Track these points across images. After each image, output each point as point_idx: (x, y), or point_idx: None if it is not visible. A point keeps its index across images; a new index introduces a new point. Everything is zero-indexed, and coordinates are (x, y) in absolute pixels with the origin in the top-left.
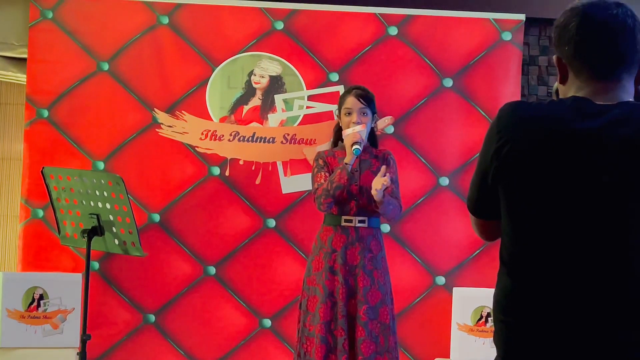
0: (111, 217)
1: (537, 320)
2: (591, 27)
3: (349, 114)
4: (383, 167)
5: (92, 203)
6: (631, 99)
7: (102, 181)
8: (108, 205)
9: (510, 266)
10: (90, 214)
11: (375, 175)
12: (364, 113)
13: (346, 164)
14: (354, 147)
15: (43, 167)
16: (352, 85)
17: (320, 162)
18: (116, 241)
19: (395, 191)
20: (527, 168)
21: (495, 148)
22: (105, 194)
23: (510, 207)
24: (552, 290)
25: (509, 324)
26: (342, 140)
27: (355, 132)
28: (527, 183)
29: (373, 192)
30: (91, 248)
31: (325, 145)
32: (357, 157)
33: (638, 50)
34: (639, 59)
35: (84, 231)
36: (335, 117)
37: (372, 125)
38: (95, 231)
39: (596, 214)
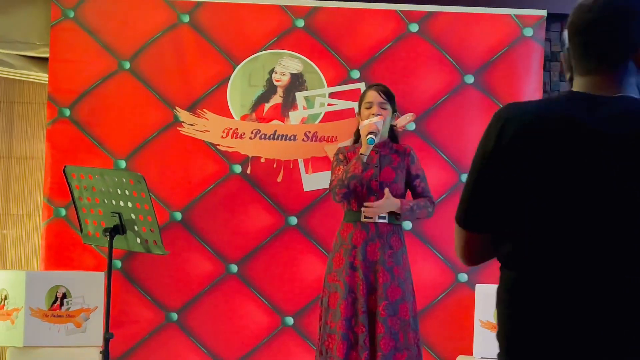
0: (133, 216)
1: (540, 313)
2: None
3: (369, 107)
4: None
5: (113, 202)
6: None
7: (124, 180)
8: (130, 204)
9: (512, 259)
10: (112, 212)
11: (395, 171)
12: (383, 107)
13: (361, 154)
14: (369, 136)
15: (65, 166)
16: (373, 82)
17: (340, 156)
18: (138, 240)
19: (424, 187)
20: (531, 163)
21: (494, 147)
22: (127, 192)
23: (517, 201)
24: (557, 282)
25: (511, 317)
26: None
27: (371, 122)
28: (532, 177)
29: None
30: (113, 247)
31: (346, 142)
32: (372, 148)
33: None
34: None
35: (105, 230)
36: (357, 116)
37: (393, 123)
38: (117, 230)
39: (600, 205)
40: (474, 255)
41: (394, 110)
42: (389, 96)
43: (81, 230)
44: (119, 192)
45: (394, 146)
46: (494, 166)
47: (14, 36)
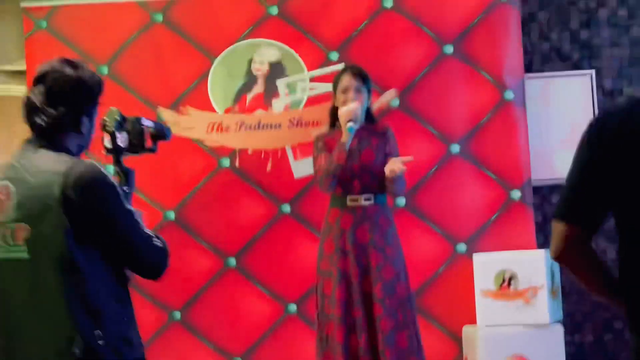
0: None
1: None
2: None
3: (345, 92)
4: (409, 157)
5: None
6: None
7: None
8: None
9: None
10: None
11: (375, 152)
12: (359, 90)
13: (343, 143)
14: (349, 124)
15: None
16: (352, 62)
17: (320, 144)
18: None
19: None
20: (630, 155)
21: (595, 146)
22: None
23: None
24: None
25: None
26: (339, 121)
27: (349, 110)
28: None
29: (388, 172)
30: None
31: (317, 130)
32: (353, 135)
33: None
34: None
35: None
36: (333, 99)
37: (368, 104)
38: None
39: None
40: (569, 251)
41: (369, 90)
42: (363, 78)
43: None
44: None
45: (372, 127)
46: (594, 162)
47: None
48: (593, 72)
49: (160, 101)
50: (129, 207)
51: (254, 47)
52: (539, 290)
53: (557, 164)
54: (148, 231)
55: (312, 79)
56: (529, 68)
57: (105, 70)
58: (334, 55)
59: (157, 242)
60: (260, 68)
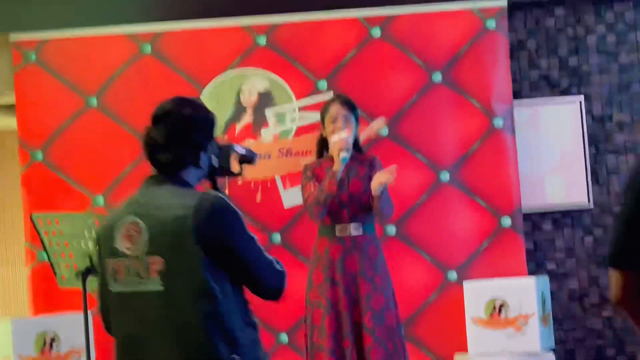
0: None
1: None
2: None
3: (334, 121)
4: (393, 165)
5: (82, 244)
6: None
7: (89, 221)
8: None
9: None
10: (83, 254)
11: (363, 181)
12: (348, 119)
13: (335, 172)
14: (342, 154)
15: (31, 214)
16: (341, 91)
17: (308, 173)
18: None
19: (385, 195)
20: None
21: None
22: (94, 233)
23: None
24: None
25: None
26: (327, 151)
27: (341, 139)
28: None
29: (374, 185)
30: (88, 288)
31: (307, 160)
32: (345, 165)
33: None
34: None
35: (78, 273)
36: (322, 129)
37: (356, 133)
38: (90, 271)
39: None
40: (629, 297)
41: (357, 120)
42: (351, 107)
43: (56, 275)
44: (86, 233)
45: (359, 157)
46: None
47: None
48: (582, 98)
49: None
50: (251, 234)
51: (242, 77)
52: (530, 318)
53: (547, 191)
54: (269, 256)
55: (301, 108)
56: (518, 95)
57: (94, 102)
58: (323, 84)
59: (278, 266)
60: (249, 98)
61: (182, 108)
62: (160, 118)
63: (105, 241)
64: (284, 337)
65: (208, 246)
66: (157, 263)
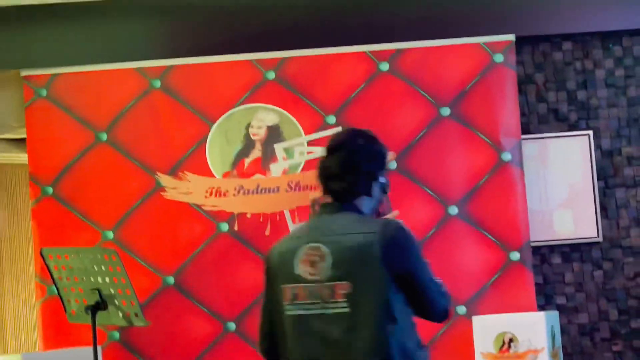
0: (112, 291)
1: None
2: None
3: None
4: (395, 212)
5: (92, 278)
6: None
7: (98, 256)
8: (107, 279)
9: None
10: (92, 289)
11: None
12: None
13: None
14: None
15: (41, 249)
16: (349, 125)
17: (317, 208)
18: (120, 314)
19: None
20: None
21: None
22: (103, 268)
23: None
24: None
25: None
26: None
27: None
28: None
29: None
30: (97, 323)
31: (316, 194)
32: None
33: None
34: None
35: (87, 307)
36: None
37: None
38: (99, 306)
39: None
40: None
41: None
42: None
43: (65, 310)
44: (96, 268)
45: None
46: None
47: None
48: (591, 132)
49: (159, 166)
50: (426, 259)
51: (251, 111)
52: (540, 353)
53: (556, 224)
54: (437, 279)
55: (310, 143)
56: (526, 129)
57: (104, 136)
58: (332, 119)
59: (443, 289)
60: (258, 132)
61: (356, 139)
62: (335, 148)
63: (280, 268)
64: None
65: (392, 269)
66: (342, 286)
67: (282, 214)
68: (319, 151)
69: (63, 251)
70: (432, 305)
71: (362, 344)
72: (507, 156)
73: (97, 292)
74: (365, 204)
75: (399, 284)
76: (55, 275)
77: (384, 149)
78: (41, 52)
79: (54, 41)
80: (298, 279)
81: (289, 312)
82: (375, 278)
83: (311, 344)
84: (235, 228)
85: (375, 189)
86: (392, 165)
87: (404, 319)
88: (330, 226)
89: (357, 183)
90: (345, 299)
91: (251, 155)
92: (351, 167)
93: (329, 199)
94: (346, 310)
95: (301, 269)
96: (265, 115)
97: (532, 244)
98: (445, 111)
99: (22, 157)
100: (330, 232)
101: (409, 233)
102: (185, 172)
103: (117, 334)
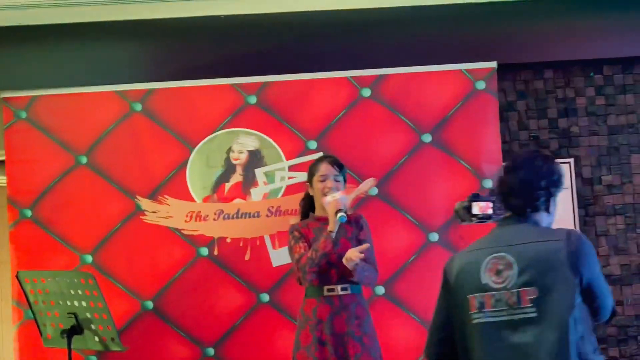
0: (88, 315)
1: None
2: None
3: (323, 180)
4: (365, 245)
5: (68, 302)
6: None
7: (75, 280)
8: (84, 303)
9: None
10: (68, 313)
11: (351, 241)
12: (337, 179)
13: (331, 232)
14: (339, 215)
15: (17, 272)
16: (330, 151)
17: (296, 233)
18: (96, 338)
19: (370, 256)
20: None
21: None
22: (79, 292)
23: None
24: None
25: None
26: (312, 211)
27: (336, 199)
28: None
29: (345, 262)
30: (73, 347)
31: (295, 219)
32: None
33: None
34: None
35: (63, 331)
36: (308, 188)
37: None
38: (75, 330)
39: None
40: None
41: (345, 180)
42: (340, 167)
43: (41, 334)
44: (72, 292)
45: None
46: None
47: None
48: (572, 160)
49: (138, 190)
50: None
51: (232, 135)
52: None
53: None
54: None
55: (291, 168)
56: (507, 156)
57: (83, 159)
58: (313, 144)
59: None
60: (239, 157)
61: (535, 160)
62: (515, 167)
63: (466, 278)
64: None
65: (577, 275)
66: (529, 292)
67: (262, 238)
68: (300, 177)
69: (39, 274)
70: (606, 308)
71: (548, 347)
72: (488, 183)
73: (73, 316)
74: (543, 219)
75: (581, 289)
76: (31, 299)
77: (561, 169)
78: (22, 74)
79: (35, 63)
80: (485, 288)
81: (476, 321)
82: (562, 283)
83: (499, 349)
84: (215, 252)
85: (552, 206)
86: (373, 191)
87: (584, 323)
88: (512, 236)
89: (537, 200)
90: (532, 304)
91: (232, 180)
92: (530, 185)
93: (508, 214)
94: (534, 315)
95: (487, 278)
96: (246, 140)
97: None
98: (427, 138)
99: (0, 180)
100: (513, 241)
101: (588, 240)
102: (165, 196)
103: (94, 359)
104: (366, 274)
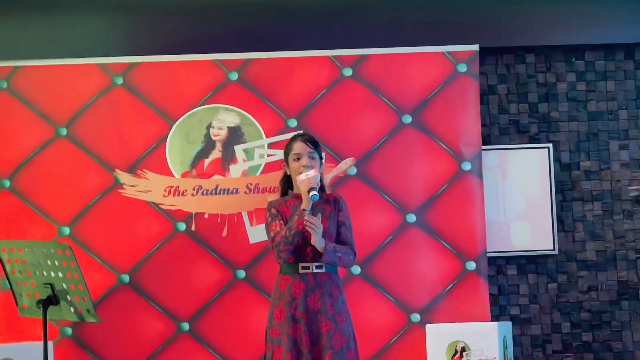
0: (64, 286)
1: None
2: None
3: (298, 158)
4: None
5: (45, 273)
6: None
7: (52, 250)
8: (60, 274)
9: None
10: (45, 283)
11: (328, 220)
12: (312, 157)
13: (304, 210)
14: (312, 193)
15: None
16: (311, 129)
17: (273, 210)
18: (72, 309)
19: (348, 236)
20: None
21: None
22: (56, 263)
23: None
24: None
25: None
26: (291, 189)
27: (309, 177)
28: None
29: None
30: (48, 318)
31: (273, 196)
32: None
33: None
34: None
35: (39, 301)
36: (284, 167)
37: (320, 171)
38: (51, 301)
39: None
40: None
41: (321, 157)
42: (315, 144)
43: (17, 304)
44: (49, 263)
45: (324, 196)
46: None
47: None
48: (551, 145)
49: (117, 164)
50: None
51: (212, 112)
52: None
53: (513, 236)
54: None
55: (270, 145)
56: (487, 140)
57: (64, 131)
58: (293, 122)
59: None
60: (219, 133)
61: None
62: None
63: None
64: None
65: None
66: None
67: (239, 215)
68: (280, 154)
69: (17, 244)
70: None
71: None
72: (467, 166)
73: (49, 286)
74: None
75: None
76: (8, 269)
77: None
78: (2, 44)
79: (16, 34)
80: None
81: None
82: None
83: None
84: (193, 228)
85: None
86: (352, 170)
87: None
88: None
89: None
90: None
91: (211, 156)
92: None
93: None
94: None
95: None
96: (226, 116)
97: (489, 255)
98: (407, 119)
99: None
100: None
101: None
102: (144, 170)
103: (69, 330)
104: (339, 254)
